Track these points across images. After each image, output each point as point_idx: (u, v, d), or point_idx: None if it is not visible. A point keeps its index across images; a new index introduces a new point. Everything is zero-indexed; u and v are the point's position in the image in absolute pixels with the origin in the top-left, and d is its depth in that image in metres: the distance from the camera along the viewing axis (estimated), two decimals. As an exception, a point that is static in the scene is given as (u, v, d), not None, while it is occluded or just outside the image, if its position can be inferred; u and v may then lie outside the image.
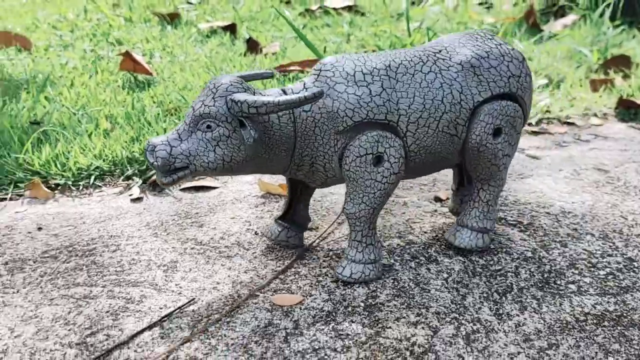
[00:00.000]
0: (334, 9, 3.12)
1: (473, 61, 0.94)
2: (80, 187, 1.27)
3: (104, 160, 1.33)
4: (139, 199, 1.23)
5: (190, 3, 3.16)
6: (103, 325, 0.85)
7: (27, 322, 0.86)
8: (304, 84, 0.91)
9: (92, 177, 1.28)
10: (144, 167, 1.30)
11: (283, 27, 2.76)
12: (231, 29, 2.61)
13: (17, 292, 0.93)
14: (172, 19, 2.77)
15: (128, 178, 1.31)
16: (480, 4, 3.40)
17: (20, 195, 1.23)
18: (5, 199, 1.22)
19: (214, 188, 1.29)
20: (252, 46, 2.34)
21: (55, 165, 1.29)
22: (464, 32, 1.00)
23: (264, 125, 0.86)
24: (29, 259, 1.02)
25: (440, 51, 0.95)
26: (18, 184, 1.25)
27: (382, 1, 3.35)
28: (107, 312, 0.88)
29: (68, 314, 0.87)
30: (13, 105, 1.59)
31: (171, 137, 0.84)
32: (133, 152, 1.33)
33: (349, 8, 3.21)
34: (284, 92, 0.90)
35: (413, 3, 3.44)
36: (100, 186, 1.28)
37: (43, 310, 0.88)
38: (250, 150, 0.86)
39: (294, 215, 1.04)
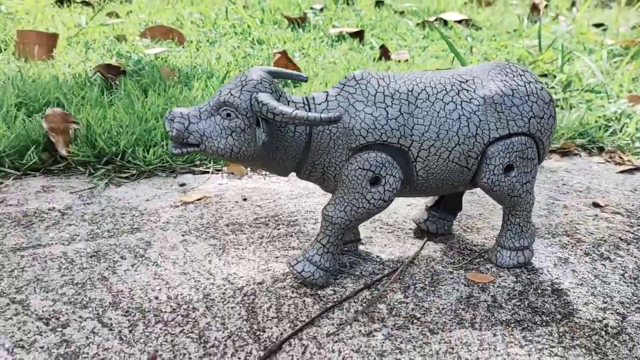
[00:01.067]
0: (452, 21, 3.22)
1: (496, 97, 0.94)
2: (269, 168, 1.44)
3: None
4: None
5: (313, 8, 3.35)
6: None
7: (263, 273, 1.02)
8: (327, 95, 0.92)
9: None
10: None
11: (406, 37, 2.89)
12: (359, 35, 2.77)
13: (245, 249, 1.09)
14: (301, 22, 2.96)
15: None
16: (597, 25, 3.42)
17: (219, 170, 1.41)
18: (208, 172, 1.40)
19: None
20: (383, 53, 2.48)
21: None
22: (497, 63, 1.00)
23: (279, 130, 0.88)
24: (244, 224, 1.18)
25: (467, 81, 0.95)
26: (217, 160, 1.42)
27: (495, 18, 3.43)
28: (326, 272, 1.03)
29: (295, 270, 1.03)
30: (187, 92, 1.79)
31: (192, 113, 0.87)
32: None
33: (465, 22, 3.31)
34: (307, 101, 0.91)
35: (529, 19, 3.50)
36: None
37: (272, 265, 1.04)
38: (258, 149, 0.88)
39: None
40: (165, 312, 0.91)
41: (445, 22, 3.21)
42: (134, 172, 1.35)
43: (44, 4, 2.95)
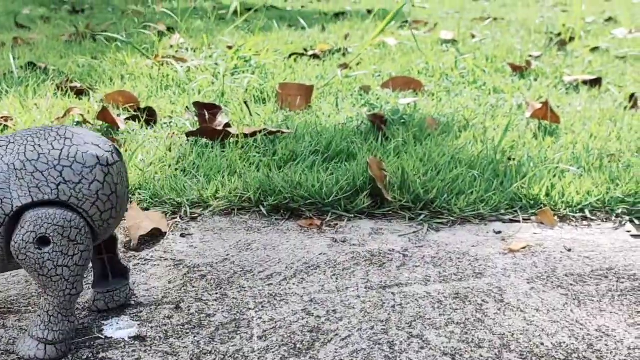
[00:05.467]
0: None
1: (17, 163, 0.90)
2: (577, 219, 1.45)
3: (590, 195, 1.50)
4: (638, 236, 1.37)
5: (531, 56, 3.34)
6: None
7: (635, 327, 1.02)
8: None
9: (587, 211, 1.46)
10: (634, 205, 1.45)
11: (645, 84, 2.77)
12: (596, 83, 2.71)
13: (600, 301, 1.10)
14: (525, 70, 2.97)
15: (617, 216, 1.45)
16: None
17: (527, 220, 1.45)
18: (517, 221, 1.44)
19: None
20: (634, 102, 2.40)
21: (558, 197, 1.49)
22: (44, 127, 0.95)
23: None
24: (583, 275, 1.19)
25: (1, 147, 0.92)
26: (529, 210, 1.47)
27: None
28: (702, 332, 1.00)
29: (667, 327, 1.02)
30: (455, 141, 1.86)
31: None
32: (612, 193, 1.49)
33: None
34: None
35: None
36: (593, 219, 1.45)
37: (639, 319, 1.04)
38: None
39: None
40: (559, 358, 0.94)
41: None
42: (449, 218, 1.43)
43: (280, 58, 3.26)
